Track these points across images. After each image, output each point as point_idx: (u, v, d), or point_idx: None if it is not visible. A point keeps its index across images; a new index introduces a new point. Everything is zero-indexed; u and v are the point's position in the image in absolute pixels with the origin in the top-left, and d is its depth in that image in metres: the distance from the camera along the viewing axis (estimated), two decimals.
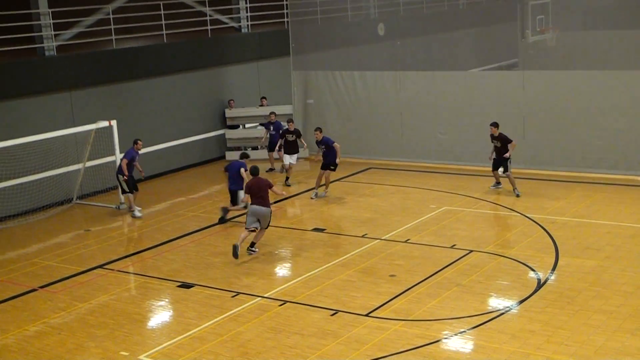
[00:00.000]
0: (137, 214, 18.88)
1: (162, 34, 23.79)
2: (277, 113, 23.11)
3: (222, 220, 17.95)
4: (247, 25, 27.22)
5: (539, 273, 13.72)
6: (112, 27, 22.15)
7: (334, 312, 12.49)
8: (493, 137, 18.77)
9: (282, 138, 21.25)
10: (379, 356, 10.87)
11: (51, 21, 20.83)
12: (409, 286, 13.38)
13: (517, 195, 18.56)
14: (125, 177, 18.71)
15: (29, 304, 13.78)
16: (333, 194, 19.83)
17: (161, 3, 23.63)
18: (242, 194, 17.13)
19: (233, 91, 25.59)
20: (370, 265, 14.62)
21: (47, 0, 20.75)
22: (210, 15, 25.75)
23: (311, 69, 25.00)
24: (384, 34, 29.77)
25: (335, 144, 19.35)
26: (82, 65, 21.20)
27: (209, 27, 25.58)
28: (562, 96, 20.71)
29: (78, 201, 20.62)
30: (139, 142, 19.06)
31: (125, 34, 23.10)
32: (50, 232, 18.29)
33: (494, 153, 18.89)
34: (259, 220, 15.47)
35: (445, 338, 11.35)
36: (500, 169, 18.84)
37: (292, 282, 14.01)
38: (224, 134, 25.26)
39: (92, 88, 21.40)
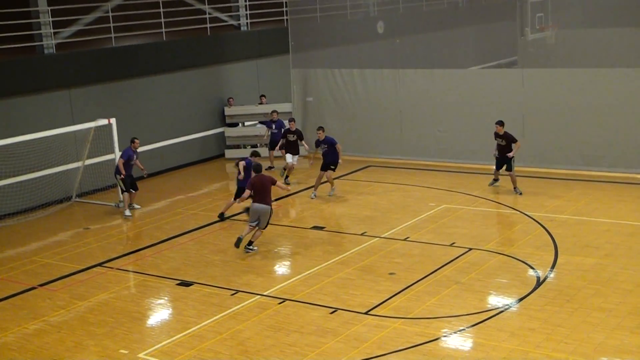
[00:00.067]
0: (128, 213, 18.84)
1: (162, 32, 23.78)
2: (277, 111, 23.11)
3: (221, 217, 17.94)
4: (247, 23, 27.21)
5: (538, 271, 13.72)
6: (112, 25, 22.14)
7: (333, 310, 12.49)
8: (498, 136, 18.70)
9: (284, 138, 21.22)
10: (378, 354, 10.88)
11: (50, 19, 20.82)
12: (408, 284, 13.38)
13: (520, 194, 18.55)
14: (122, 177, 18.69)
15: (29, 302, 13.78)
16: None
17: (160, 1, 23.60)
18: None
19: (232, 89, 25.58)
20: (370, 263, 14.63)
21: None
22: (209, 13, 25.74)
23: (310, 66, 24.99)
24: (383, 32, 29.76)
25: (338, 145, 19.32)
26: (81, 63, 21.19)
27: (208, 25, 25.56)
28: (561, 94, 20.71)
29: (77, 199, 20.62)
30: (135, 140, 19.03)
31: (124, 31, 23.09)
32: (49, 230, 18.29)
33: (497, 151, 18.83)
34: (259, 219, 15.49)
35: (445, 336, 11.36)
36: (503, 168, 18.80)
37: (291, 280, 14.01)
38: (223, 132, 25.25)
39: (91, 86, 21.39)
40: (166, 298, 13.69)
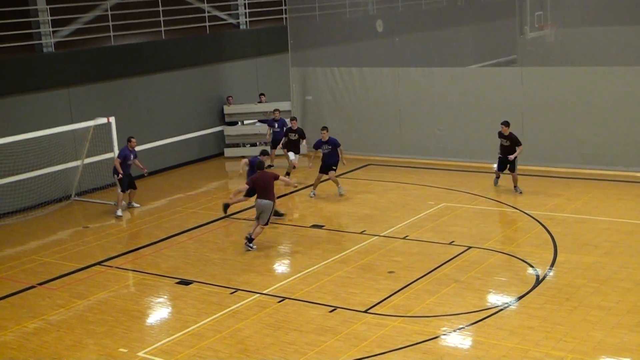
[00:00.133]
0: (119, 213, 18.81)
1: (161, 31, 23.77)
2: (279, 110, 23.12)
3: (226, 207, 17.57)
4: (246, 21, 27.19)
5: (537, 269, 13.73)
6: (111, 23, 22.13)
7: (333, 308, 12.49)
8: (502, 136, 18.62)
9: (286, 136, 21.17)
10: (378, 352, 10.88)
11: (49, 18, 20.81)
12: (408, 282, 13.38)
13: (520, 193, 18.55)
14: (119, 176, 18.67)
15: (28, 300, 13.78)
16: (331, 190, 19.82)
17: None
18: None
19: (231, 88, 25.57)
20: (369, 261, 14.63)
21: None
22: (208, 12, 25.73)
23: (310, 65, 24.99)
24: (382, 31, 29.77)
25: (341, 147, 19.29)
26: (80, 61, 21.18)
27: (207, 24, 25.55)
28: (560, 92, 20.70)
29: (76, 198, 20.62)
30: (132, 139, 18.98)
31: (123, 30, 23.06)
32: (48, 229, 18.29)
33: (500, 151, 18.74)
34: (261, 214, 15.64)
35: (444, 334, 11.36)
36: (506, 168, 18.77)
37: (290, 278, 14.01)
38: (222, 131, 25.25)
39: (90, 85, 21.38)
40: (165, 297, 13.69)
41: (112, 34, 22.23)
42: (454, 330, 11.46)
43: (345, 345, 11.15)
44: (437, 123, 22.67)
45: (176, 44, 24.05)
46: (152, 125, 22.99)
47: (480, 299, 12.62)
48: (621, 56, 27.43)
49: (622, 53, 28.10)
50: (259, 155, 17.12)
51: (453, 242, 15.43)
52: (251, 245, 15.61)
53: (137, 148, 19.33)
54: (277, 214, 17.53)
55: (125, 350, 11.47)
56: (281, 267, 14.99)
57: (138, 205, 19.56)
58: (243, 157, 24.77)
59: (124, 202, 19.49)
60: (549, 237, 15.43)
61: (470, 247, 15.01)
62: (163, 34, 23.82)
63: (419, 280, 13.46)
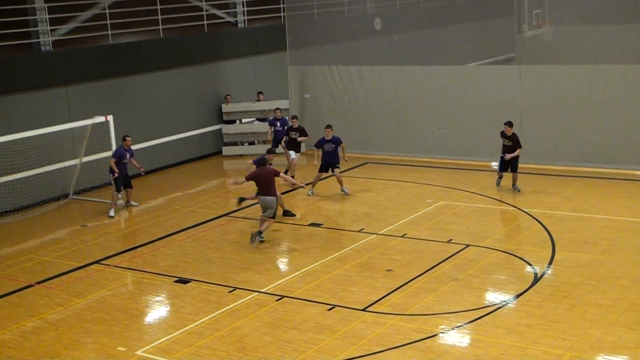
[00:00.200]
0: (111, 213, 18.77)
1: (159, 29, 23.75)
2: (280, 108, 23.10)
3: (240, 200, 17.57)
4: (244, 20, 27.18)
5: (535, 267, 13.73)
6: (108, 22, 22.12)
7: (331, 306, 12.50)
8: (505, 136, 18.58)
9: (286, 135, 21.11)
10: (376, 350, 10.88)
11: (47, 16, 20.79)
12: (406, 281, 13.39)
13: (518, 191, 18.54)
14: (115, 176, 18.64)
15: (26, 299, 13.77)
16: (329, 189, 19.84)
17: None
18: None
19: (230, 86, 25.56)
20: (367, 260, 14.63)
21: None
22: (206, 10, 25.71)
23: (308, 63, 24.98)
24: (380, 29, 29.75)
25: (344, 144, 19.29)
26: (78, 60, 21.16)
27: (205, 22, 25.54)
28: (558, 90, 20.72)
29: (74, 197, 20.61)
30: (127, 138, 18.94)
31: (121, 28, 23.05)
32: (46, 227, 18.28)
33: (503, 151, 18.66)
34: (267, 209, 15.87)
35: (442, 332, 11.37)
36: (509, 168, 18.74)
37: (289, 277, 14.01)
38: (220, 129, 25.25)
39: (88, 83, 21.36)
40: (164, 295, 13.69)
41: (110, 32, 22.22)
42: (452, 328, 11.46)
43: (343, 344, 11.15)
44: (435, 121, 22.68)
45: (174, 43, 24.04)
46: (150, 124, 22.98)
47: (478, 297, 12.62)
48: (619, 54, 27.42)
49: (621, 51, 28.09)
50: (265, 154, 17.25)
51: (451, 240, 15.43)
52: (261, 236, 15.74)
53: (136, 146, 19.32)
54: (289, 214, 17.56)
55: (124, 349, 11.47)
56: (279, 265, 14.99)
57: (136, 203, 19.55)
58: (241, 155, 24.95)
59: (122, 201, 19.50)
60: (547, 235, 15.44)
61: (468, 245, 15.02)
62: (161, 33, 23.80)
63: (417, 279, 13.47)
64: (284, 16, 26.48)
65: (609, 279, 12.97)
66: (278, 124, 22.71)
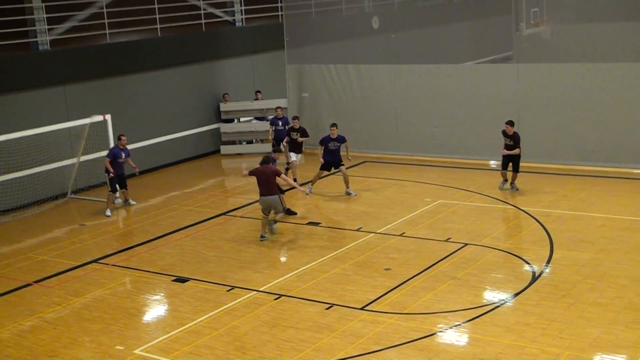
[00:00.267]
0: (108, 213, 18.73)
1: (156, 28, 23.73)
2: (271, 107, 23.02)
3: (290, 212, 17.70)
4: (242, 19, 27.17)
5: (533, 266, 13.74)
6: (106, 21, 22.10)
7: (329, 305, 12.50)
8: (507, 135, 18.56)
9: (288, 136, 20.73)
10: (375, 349, 10.88)
11: (45, 15, 20.77)
12: (404, 279, 13.39)
13: (516, 190, 18.55)
14: (110, 176, 18.61)
15: (24, 298, 13.77)
16: (327, 188, 19.84)
17: None
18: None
19: (227, 85, 25.55)
20: (366, 258, 14.64)
21: None
22: (204, 9, 25.70)
23: (306, 62, 24.97)
24: (378, 27, 29.75)
25: (347, 142, 19.29)
26: (76, 59, 21.14)
27: (203, 21, 25.52)
28: (556, 89, 20.72)
29: (73, 195, 20.59)
30: (122, 137, 18.90)
31: (119, 28, 23.03)
32: (45, 226, 18.26)
33: (505, 150, 18.62)
34: (272, 208, 16.08)
35: (441, 331, 11.37)
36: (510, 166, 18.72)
37: (287, 276, 14.01)
38: (218, 128, 25.24)
39: (86, 82, 21.34)
40: (162, 294, 13.68)
41: (107, 31, 22.20)
42: (450, 327, 11.47)
43: (341, 343, 11.16)
44: (433, 120, 22.68)
45: (172, 42, 24.02)
46: (148, 123, 22.96)
47: (476, 295, 12.63)
48: (617, 52, 27.42)
49: (618, 49, 28.10)
50: (271, 152, 17.37)
51: (449, 239, 15.44)
52: (273, 227, 16.16)
53: (134, 145, 19.30)
54: (290, 212, 17.59)
55: (122, 348, 11.47)
56: (278, 264, 14.98)
57: (134, 202, 19.54)
58: (239, 154, 24.94)
59: (120, 200, 19.49)
60: (545, 233, 15.44)
61: (466, 244, 15.02)
62: (159, 32, 23.79)
63: (415, 278, 13.47)
64: (281, 15, 26.48)
65: (607, 278, 12.98)
66: (280, 123, 22.52)
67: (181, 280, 14.12)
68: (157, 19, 23.58)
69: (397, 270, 13.86)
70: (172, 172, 23.34)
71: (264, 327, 11.84)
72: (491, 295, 12.64)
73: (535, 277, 13.20)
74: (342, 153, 19.27)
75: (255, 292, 13.31)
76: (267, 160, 16.21)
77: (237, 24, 27.11)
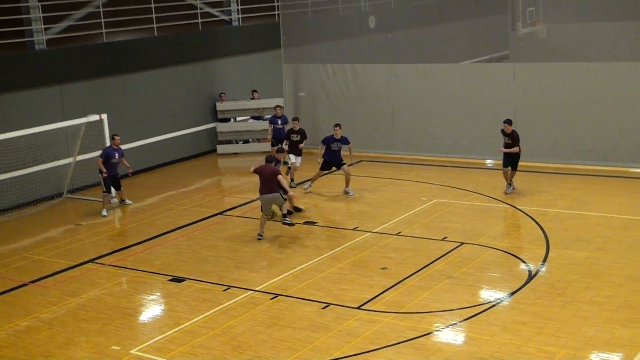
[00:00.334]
0: (104, 213, 18.69)
1: (153, 27, 23.71)
2: (268, 107, 22.99)
3: (297, 210, 17.73)
4: (238, 18, 27.15)
5: (529, 265, 13.75)
6: (103, 20, 22.07)
7: (326, 305, 12.49)
8: (505, 134, 18.52)
9: (287, 138, 20.42)
10: (371, 349, 10.89)
11: (41, 15, 20.73)
12: (401, 279, 13.40)
13: (513, 189, 18.53)
14: (103, 176, 18.58)
15: (20, 298, 13.74)
16: (325, 187, 19.83)
17: None
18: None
19: (224, 84, 25.53)
20: (362, 258, 14.64)
21: None
22: (200, 9, 25.68)
23: (302, 61, 24.97)
24: (374, 27, 29.76)
25: (351, 144, 19.26)
26: (72, 58, 21.11)
27: (199, 20, 25.51)
28: (552, 88, 20.73)
29: (69, 195, 20.56)
30: (115, 137, 18.85)
31: (115, 27, 23.00)
32: (40, 226, 18.24)
33: (504, 149, 18.58)
34: (274, 206, 16.10)
35: (437, 330, 11.38)
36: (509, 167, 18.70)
37: (283, 275, 14.00)
38: (215, 128, 25.22)
39: (82, 82, 21.31)
40: (158, 294, 13.67)
41: (104, 30, 22.18)
42: (447, 326, 11.47)
43: (338, 342, 11.15)
44: (429, 119, 22.68)
45: (168, 41, 24.00)
46: (145, 122, 22.94)
47: (472, 294, 12.63)
48: (613, 52, 27.48)
49: (614, 49, 28.16)
50: (275, 153, 17.42)
51: (446, 238, 15.44)
52: (286, 220, 16.04)
53: (130, 145, 19.27)
54: (297, 209, 17.62)
55: (118, 348, 11.46)
56: (274, 264, 14.95)
57: (130, 202, 19.52)
58: (236, 154, 24.95)
59: (116, 200, 19.46)
60: (541, 232, 15.46)
61: (462, 243, 15.03)
62: (155, 31, 23.76)
63: (411, 277, 13.47)
64: (278, 14, 26.46)
65: (603, 277, 12.99)
66: (279, 121, 22.47)
67: (177, 280, 14.11)
68: (154, 18, 23.55)
69: (393, 270, 13.86)
70: (169, 171, 23.31)
71: (260, 327, 11.84)
72: (487, 294, 12.65)
73: (531, 276, 13.21)
74: (343, 153, 19.26)
75: (251, 291, 13.31)
76: (269, 159, 16.28)
77: (233, 23, 27.09)
